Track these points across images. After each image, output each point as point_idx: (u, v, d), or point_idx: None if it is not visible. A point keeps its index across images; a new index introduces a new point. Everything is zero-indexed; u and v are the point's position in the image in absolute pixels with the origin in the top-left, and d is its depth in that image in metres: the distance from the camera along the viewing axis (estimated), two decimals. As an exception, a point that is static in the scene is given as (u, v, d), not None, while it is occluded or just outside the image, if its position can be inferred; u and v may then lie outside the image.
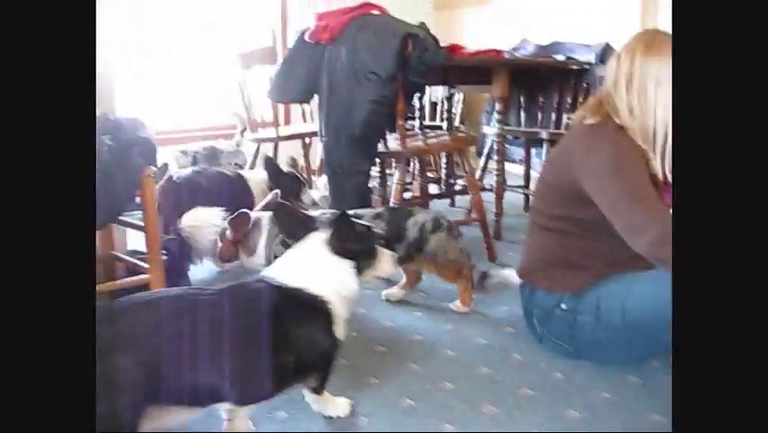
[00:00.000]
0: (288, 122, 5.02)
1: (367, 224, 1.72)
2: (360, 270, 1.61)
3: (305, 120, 4.35)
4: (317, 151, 4.23)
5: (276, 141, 3.80)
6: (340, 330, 1.55)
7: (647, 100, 1.72)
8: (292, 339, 1.45)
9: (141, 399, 1.24)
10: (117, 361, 1.21)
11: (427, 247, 2.29)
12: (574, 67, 3.77)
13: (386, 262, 1.70)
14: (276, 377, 1.41)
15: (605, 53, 3.87)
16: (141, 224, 2.04)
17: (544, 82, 3.93)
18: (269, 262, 2.27)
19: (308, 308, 1.50)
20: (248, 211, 2.29)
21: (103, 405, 1.14)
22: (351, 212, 2.24)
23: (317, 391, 1.62)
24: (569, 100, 3.76)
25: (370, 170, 2.92)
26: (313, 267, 1.55)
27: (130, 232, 2.48)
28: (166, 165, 2.96)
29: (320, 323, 1.51)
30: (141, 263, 2.11)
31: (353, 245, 1.60)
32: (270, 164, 3.12)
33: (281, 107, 4.66)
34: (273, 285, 1.50)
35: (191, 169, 3.11)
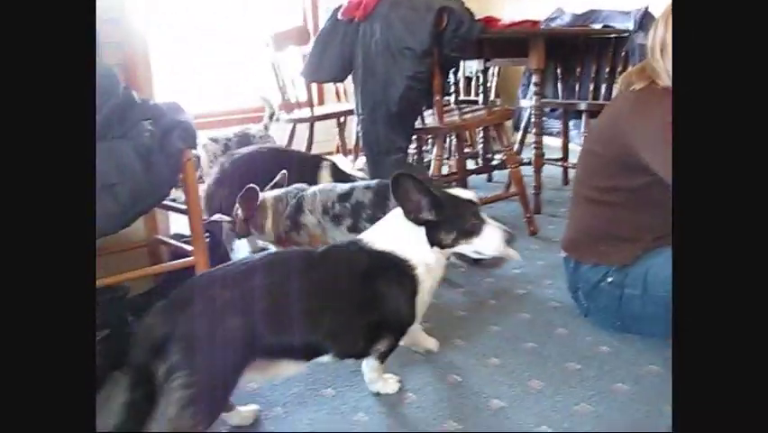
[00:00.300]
0: (321, 102, 5.02)
1: (462, 193, 1.58)
2: (440, 241, 1.53)
3: (339, 99, 4.34)
4: (352, 130, 4.24)
5: (311, 121, 3.81)
6: (422, 300, 1.56)
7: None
8: (379, 298, 1.50)
9: (244, 355, 1.34)
10: (228, 321, 1.31)
11: None
12: (612, 35, 3.68)
13: (488, 238, 1.54)
14: (365, 334, 1.50)
15: (644, 20, 3.77)
16: (184, 207, 2.07)
17: (581, 52, 3.85)
18: (278, 239, 2.33)
19: (396, 269, 1.52)
20: (256, 188, 2.32)
21: (209, 358, 1.28)
22: (347, 186, 2.27)
23: (381, 358, 1.62)
24: (607, 70, 3.68)
25: (407, 146, 2.90)
26: (394, 233, 1.56)
27: (171, 215, 2.52)
28: (198, 159, 2.95)
29: (405, 286, 1.52)
30: (186, 246, 2.14)
31: (423, 213, 1.51)
32: (335, 168, 3.06)
33: (315, 87, 4.65)
34: (365, 247, 1.55)
35: (267, 146, 3.09)
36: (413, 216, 1.51)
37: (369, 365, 1.66)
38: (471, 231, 1.53)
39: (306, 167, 2.91)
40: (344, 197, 2.23)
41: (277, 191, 2.40)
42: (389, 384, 1.68)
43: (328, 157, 3.02)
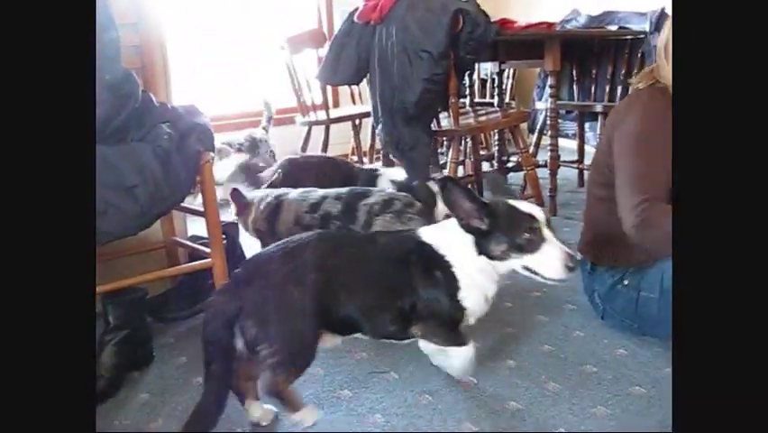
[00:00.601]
0: (336, 104, 5.03)
1: (523, 206, 1.48)
2: (489, 252, 1.48)
3: (354, 102, 4.35)
4: (367, 132, 4.24)
5: (326, 123, 3.82)
6: (469, 299, 1.53)
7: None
8: (411, 285, 1.50)
9: (315, 320, 1.45)
10: (290, 292, 1.43)
11: (372, 230, 2.18)
12: (628, 36, 3.67)
13: (545, 258, 1.44)
14: (396, 318, 1.52)
15: (660, 21, 3.75)
16: (201, 209, 2.08)
17: (596, 54, 3.84)
18: (258, 236, 2.41)
19: (430, 262, 1.51)
20: (239, 188, 2.45)
21: (286, 326, 1.42)
22: (319, 195, 2.25)
23: (431, 341, 1.60)
24: (623, 72, 3.67)
25: (431, 140, 2.89)
26: (445, 231, 1.55)
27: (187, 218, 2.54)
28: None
29: (438, 280, 1.51)
30: (203, 248, 2.15)
31: (474, 221, 1.46)
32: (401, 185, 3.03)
33: (330, 89, 4.66)
34: (412, 237, 1.58)
35: (323, 156, 3.09)
36: (464, 222, 1.47)
37: (426, 347, 1.65)
38: (525, 246, 1.44)
39: (361, 179, 2.87)
40: (314, 207, 2.23)
41: (264, 191, 2.46)
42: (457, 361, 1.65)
43: (383, 169, 3.01)
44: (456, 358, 1.61)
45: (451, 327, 1.58)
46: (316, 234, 1.61)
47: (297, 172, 2.74)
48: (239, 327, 1.41)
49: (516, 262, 1.47)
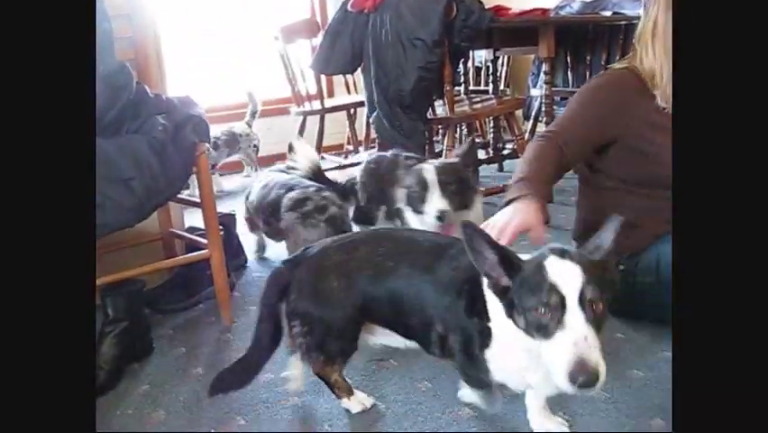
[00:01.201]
0: (331, 94, 5.02)
1: (556, 266, 1.08)
2: (515, 322, 1.15)
3: (349, 91, 4.34)
4: (362, 122, 4.24)
5: (321, 113, 3.81)
6: (496, 362, 1.27)
7: (664, 48, 1.75)
8: (451, 315, 1.31)
9: (353, 316, 1.43)
10: (331, 281, 1.41)
11: (281, 224, 2.25)
12: (622, 22, 3.67)
13: (556, 357, 1.04)
14: (435, 341, 1.37)
15: (654, 6, 3.74)
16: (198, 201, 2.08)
17: (591, 40, 3.84)
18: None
19: (476, 303, 1.26)
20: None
21: (318, 312, 1.41)
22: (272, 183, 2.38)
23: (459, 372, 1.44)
24: (617, 57, 3.66)
25: (426, 128, 2.90)
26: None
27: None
28: None
29: (475, 327, 1.27)
30: (200, 239, 2.16)
31: (502, 278, 1.15)
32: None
33: (324, 79, 4.64)
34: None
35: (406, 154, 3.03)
36: (492, 281, 1.16)
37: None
38: (538, 327, 1.08)
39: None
40: (265, 194, 2.38)
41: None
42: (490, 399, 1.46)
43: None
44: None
45: (471, 375, 1.39)
46: (380, 231, 1.61)
47: (383, 171, 2.51)
48: (287, 298, 1.46)
49: (540, 340, 1.09)
